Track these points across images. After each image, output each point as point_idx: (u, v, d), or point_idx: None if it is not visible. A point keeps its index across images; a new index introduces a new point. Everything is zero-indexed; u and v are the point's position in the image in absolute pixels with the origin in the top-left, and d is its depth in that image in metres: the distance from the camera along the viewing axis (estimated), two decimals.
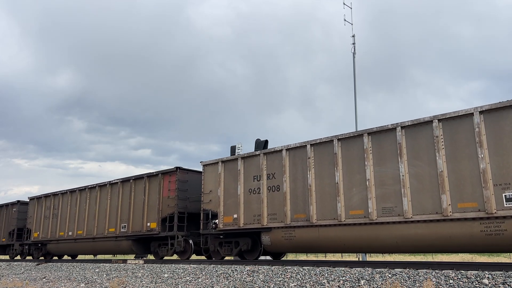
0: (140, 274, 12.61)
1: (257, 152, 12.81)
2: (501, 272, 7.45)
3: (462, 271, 7.86)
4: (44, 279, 14.92)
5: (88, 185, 18.97)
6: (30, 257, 22.58)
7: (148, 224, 15.49)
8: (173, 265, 13.00)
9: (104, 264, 15.26)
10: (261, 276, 10.06)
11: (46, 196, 21.37)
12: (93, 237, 17.97)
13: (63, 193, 20.32)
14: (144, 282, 11.73)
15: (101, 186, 18.19)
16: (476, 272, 7.72)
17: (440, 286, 7.48)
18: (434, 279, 7.71)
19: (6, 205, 24.63)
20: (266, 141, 13.83)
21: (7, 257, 24.63)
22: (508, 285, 6.99)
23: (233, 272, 10.77)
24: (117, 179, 17.47)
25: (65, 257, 22.71)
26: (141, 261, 14.88)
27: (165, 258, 15.80)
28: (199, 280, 10.84)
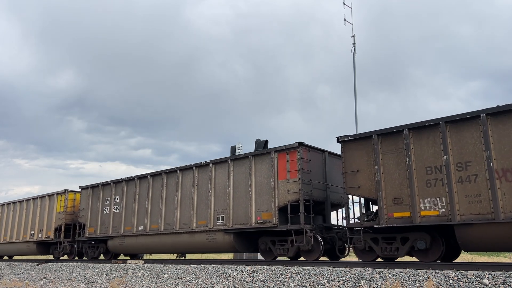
0: (140, 274, 12.61)
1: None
2: (501, 272, 7.46)
3: (462, 271, 7.86)
4: (44, 279, 14.92)
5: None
6: None
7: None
8: (173, 265, 13.00)
9: (104, 264, 15.25)
10: (261, 276, 10.06)
11: None
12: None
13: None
14: (144, 282, 11.73)
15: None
16: (476, 272, 7.73)
17: (440, 286, 7.48)
18: (434, 279, 7.72)
19: None
20: (266, 141, 13.79)
21: None
22: (508, 285, 6.99)
23: (233, 272, 10.76)
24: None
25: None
26: (141, 261, 14.89)
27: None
28: (199, 280, 10.83)
